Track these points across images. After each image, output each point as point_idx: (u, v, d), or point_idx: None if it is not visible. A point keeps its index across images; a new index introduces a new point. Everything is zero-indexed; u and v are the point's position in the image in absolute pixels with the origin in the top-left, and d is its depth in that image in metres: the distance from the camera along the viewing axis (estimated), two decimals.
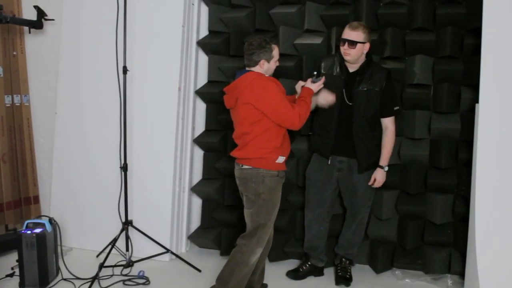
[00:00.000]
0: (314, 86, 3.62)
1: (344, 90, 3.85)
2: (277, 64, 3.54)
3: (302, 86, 3.65)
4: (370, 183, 3.99)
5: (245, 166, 3.46)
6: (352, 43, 3.70)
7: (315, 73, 3.67)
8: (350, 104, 3.85)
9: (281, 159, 3.46)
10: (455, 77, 4.19)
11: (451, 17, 4.17)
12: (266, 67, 3.45)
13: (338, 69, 3.89)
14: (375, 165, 3.97)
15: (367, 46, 3.75)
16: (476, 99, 3.62)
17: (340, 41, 3.78)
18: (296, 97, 3.65)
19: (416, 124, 4.26)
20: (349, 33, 3.71)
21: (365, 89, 3.81)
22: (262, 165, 3.42)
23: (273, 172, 3.44)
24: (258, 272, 3.73)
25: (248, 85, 3.37)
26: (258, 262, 3.63)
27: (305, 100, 3.49)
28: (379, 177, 3.97)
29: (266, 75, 3.46)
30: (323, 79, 3.65)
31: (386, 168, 3.96)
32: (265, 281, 3.91)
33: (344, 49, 3.74)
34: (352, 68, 3.86)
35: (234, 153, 3.52)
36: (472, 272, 3.60)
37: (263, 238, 3.49)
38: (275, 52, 3.47)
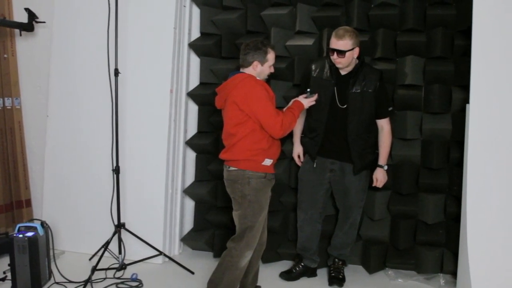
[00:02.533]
0: (306, 101, 3.64)
1: (336, 93, 3.86)
2: (272, 70, 3.53)
3: (294, 100, 3.68)
4: (374, 184, 4.03)
5: (231, 168, 3.46)
6: (341, 53, 3.69)
7: (308, 90, 3.69)
8: (343, 107, 3.86)
9: (267, 162, 3.45)
10: (446, 77, 4.22)
11: (442, 18, 4.19)
12: (259, 69, 3.45)
13: (328, 73, 3.89)
14: (369, 166, 4.00)
15: (356, 50, 3.74)
16: (467, 100, 3.64)
17: (329, 49, 3.78)
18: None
19: (408, 125, 4.27)
20: (336, 43, 3.68)
21: (359, 91, 3.82)
22: (248, 167, 3.41)
23: (259, 174, 3.43)
24: (251, 274, 3.73)
25: (237, 85, 3.38)
26: (250, 265, 3.63)
27: (292, 112, 3.50)
28: (380, 176, 4.00)
29: (258, 78, 3.46)
30: (315, 96, 3.69)
31: (386, 167, 4.00)
32: (258, 283, 3.91)
33: (334, 58, 3.74)
34: (344, 71, 3.86)
35: (221, 155, 3.52)
36: (464, 271, 3.61)
37: (251, 240, 3.47)
38: (270, 56, 3.46)
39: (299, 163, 4.18)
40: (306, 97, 3.66)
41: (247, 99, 3.33)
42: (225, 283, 3.45)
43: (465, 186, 3.63)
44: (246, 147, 3.40)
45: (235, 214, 3.53)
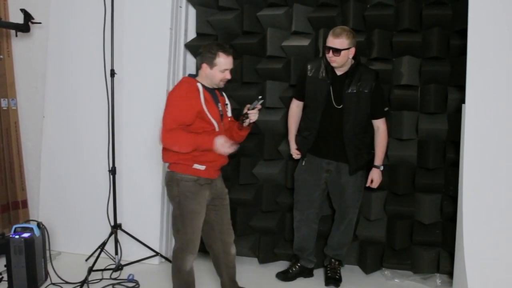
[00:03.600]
0: (220, 146, 3.29)
1: (331, 93, 3.86)
2: (225, 76, 3.36)
3: (217, 137, 3.33)
4: (368, 184, 4.03)
5: (167, 169, 3.43)
6: (336, 51, 3.69)
7: (260, 97, 3.49)
8: (339, 107, 3.86)
9: (198, 166, 3.35)
10: (442, 78, 4.22)
11: (438, 18, 4.20)
12: (207, 72, 3.35)
13: (324, 73, 3.89)
14: (365, 166, 4.00)
15: (352, 50, 3.74)
16: (462, 100, 3.64)
17: (325, 48, 3.78)
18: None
19: (404, 125, 4.28)
20: (332, 41, 3.69)
21: (355, 91, 3.82)
22: (178, 169, 3.34)
23: (189, 176, 3.33)
24: (225, 280, 3.72)
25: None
26: (219, 272, 3.68)
27: (196, 140, 3.27)
28: (376, 176, 4.00)
29: (210, 82, 3.39)
30: (234, 147, 3.37)
31: (382, 168, 4.01)
32: (255, 283, 3.91)
33: (330, 56, 3.74)
34: (339, 71, 3.86)
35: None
36: (461, 271, 3.62)
37: (186, 245, 3.38)
38: (219, 60, 3.31)
39: (298, 157, 4.16)
40: (250, 108, 3.45)
41: (166, 100, 3.32)
42: (177, 285, 3.49)
43: (461, 186, 3.64)
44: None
45: None
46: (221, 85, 3.42)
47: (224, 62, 3.32)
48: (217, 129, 3.34)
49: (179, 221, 3.37)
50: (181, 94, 3.30)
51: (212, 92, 3.42)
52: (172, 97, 3.31)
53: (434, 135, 4.24)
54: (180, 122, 3.25)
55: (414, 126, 4.29)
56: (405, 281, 4.22)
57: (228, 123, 3.51)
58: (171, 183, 3.37)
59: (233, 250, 3.64)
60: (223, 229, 3.58)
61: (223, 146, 3.28)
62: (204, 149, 3.29)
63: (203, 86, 3.36)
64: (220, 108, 3.44)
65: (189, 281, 3.49)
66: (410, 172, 4.33)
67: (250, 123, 3.48)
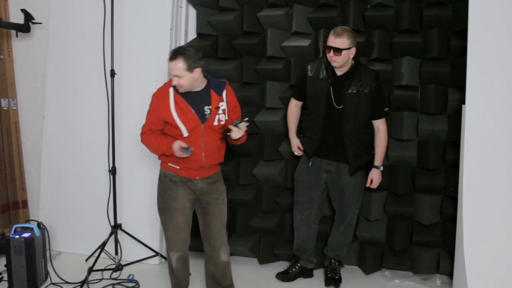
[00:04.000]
0: (178, 151, 3.26)
1: (332, 93, 3.86)
2: (172, 81, 3.32)
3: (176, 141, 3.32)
4: (367, 185, 4.03)
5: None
6: (337, 50, 3.69)
7: (246, 119, 3.43)
8: (339, 107, 3.86)
9: (173, 165, 3.44)
10: (442, 78, 4.22)
11: (438, 19, 4.20)
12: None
13: (324, 73, 3.89)
14: (365, 166, 4.01)
15: (353, 51, 3.74)
16: (462, 100, 3.64)
17: (326, 47, 3.79)
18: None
19: (404, 125, 4.28)
20: (333, 41, 3.70)
21: (355, 91, 3.82)
22: (162, 165, 3.53)
23: (167, 172, 3.47)
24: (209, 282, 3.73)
25: None
26: (206, 270, 3.71)
27: (158, 142, 3.36)
28: (375, 177, 4.00)
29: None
30: (190, 152, 3.27)
31: (381, 168, 4.01)
32: (254, 283, 3.90)
33: (330, 56, 3.74)
34: (339, 72, 3.86)
35: None
36: (461, 272, 3.62)
37: (168, 241, 3.54)
38: (169, 66, 3.34)
39: (300, 154, 4.17)
40: (234, 125, 3.38)
41: None
42: (171, 280, 3.67)
43: (461, 186, 3.65)
44: None
45: None
46: (180, 90, 3.35)
47: (170, 68, 3.32)
48: (184, 134, 3.32)
49: (161, 217, 3.52)
50: (152, 99, 3.44)
51: (194, 95, 3.36)
52: (151, 101, 3.44)
53: (434, 136, 4.24)
54: (149, 126, 3.42)
55: (414, 127, 4.29)
56: (405, 282, 4.22)
57: (220, 126, 3.43)
58: (159, 178, 3.54)
59: (223, 257, 3.61)
60: (210, 236, 3.57)
61: (176, 151, 3.27)
62: (163, 149, 3.35)
63: (176, 90, 3.35)
64: (207, 111, 3.37)
65: (178, 279, 3.57)
66: (410, 173, 4.33)
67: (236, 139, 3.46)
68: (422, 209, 4.27)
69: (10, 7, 5.06)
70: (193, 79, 3.31)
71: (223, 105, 3.44)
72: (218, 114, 3.40)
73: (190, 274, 3.74)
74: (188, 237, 3.55)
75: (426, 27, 4.25)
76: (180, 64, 3.24)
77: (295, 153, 4.20)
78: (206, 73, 3.47)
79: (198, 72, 3.30)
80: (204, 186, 3.48)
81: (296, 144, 4.18)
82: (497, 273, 3.50)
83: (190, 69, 3.26)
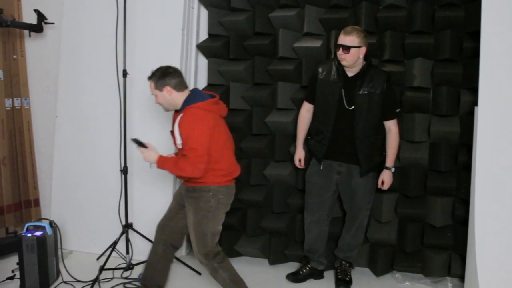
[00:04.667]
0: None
1: (343, 95, 3.86)
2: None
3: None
4: (378, 186, 4.02)
5: None
6: (346, 48, 3.70)
7: (132, 138, 3.53)
8: (350, 108, 3.85)
9: None
10: (454, 80, 4.20)
11: (450, 20, 4.18)
12: None
13: (335, 75, 3.89)
14: (376, 168, 3.99)
15: (363, 50, 3.74)
16: (475, 102, 3.62)
17: (335, 46, 3.78)
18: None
19: (416, 127, 4.26)
20: (343, 39, 3.71)
21: (366, 92, 3.81)
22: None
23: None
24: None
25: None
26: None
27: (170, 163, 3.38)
28: (387, 178, 4.00)
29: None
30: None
31: (393, 169, 4.00)
32: (265, 284, 3.90)
33: (339, 54, 3.74)
34: (351, 73, 3.86)
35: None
36: (472, 275, 3.60)
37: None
38: None
39: (299, 167, 4.19)
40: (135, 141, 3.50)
41: None
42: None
43: (473, 189, 3.62)
44: None
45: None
46: (164, 109, 3.49)
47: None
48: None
49: None
50: None
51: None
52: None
53: (446, 138, 4.21)
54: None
55: (426, 129, 4.27)
56: (415, 284, 4.20)
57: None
58: None
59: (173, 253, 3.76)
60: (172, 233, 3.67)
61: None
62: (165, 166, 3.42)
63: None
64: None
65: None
66: (421, 175, 4.31)
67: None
68: (434, 211, 4.25)
69: (23, 7, 5.09)
70: (164, 98, 3.38)
71: (172, 130, 3.41)
72: (175, 137, 3.37)
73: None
74: (171, 226, 3.65)
75: (438, 28, 4.23)
76: (150, 83, 3.41)
77: (296, 164, 4.22)
78: (198, 92, 3.49)
79: (167, 90, 3.35)
80: (183, 192, 3.54)
81: (298, 156, 4.19)
82: (510, 276, 3.47)
83: (159, 87, 3.36)
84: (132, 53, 4.42)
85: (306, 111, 4.11)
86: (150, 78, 3.39)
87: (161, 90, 3.34)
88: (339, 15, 4.35)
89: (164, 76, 3.34)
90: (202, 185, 3.38)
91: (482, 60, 3.52)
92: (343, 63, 3.79)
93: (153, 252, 3.70)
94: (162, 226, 3.68)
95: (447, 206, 4.24)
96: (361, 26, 4.18)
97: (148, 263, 3.73)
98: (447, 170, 4.21)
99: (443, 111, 4.21)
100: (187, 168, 3.25)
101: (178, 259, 4.48)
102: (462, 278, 4.03)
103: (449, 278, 4.20)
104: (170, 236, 3.64)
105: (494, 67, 3.51)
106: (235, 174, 3.50)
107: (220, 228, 3.48)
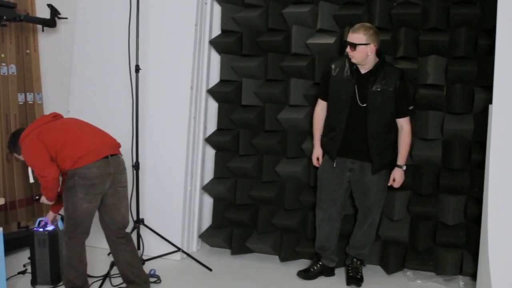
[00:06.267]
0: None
1: (356, 91, 3.84)
2: None
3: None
4: (389, 184, 4.00)
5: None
6: (353, 46, 3.69)
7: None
8: (363, 105, 3.84)
9: None
10: (468, 77, 4.17)
11: (465, 18, 4.15)
12: None
13: (348, 72, 3.87)
14: (388, 165, 3.98)
15: (371, 47, 3.71)
16: (489, 100, 3.60)
17: (344, 43, 3.78)
18: None
19: (429, 125, 4.24)
20: (350, 36, 3.71)
21: (379, 89, 3.80)
22: None
23: None
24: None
25: None
26: None
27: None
28: (398, 176, 3.97)
29: None
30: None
31: (404, 167, 3.98)
32: (276, 281, 3.90)
33: (347, 51, 3.74)
34: (364, 69, 3.84)
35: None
36: (485, 274, 3.58)
37: None
38: None
39: (317, 165, 4.18)
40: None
41: None
42: None
43: (487, 187, 3.59)
44: None
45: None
46: None
47: None
48: None
49: None
50: None
51: None
52: None
53: (460, 136, 4.19)
54: None
55: (440, 126, 4.24)
56: (427, 282, 4.18)
57: None
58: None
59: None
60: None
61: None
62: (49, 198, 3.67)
63: None
64: None
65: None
66: (434, 173, 4.28)
67: None
68: (446, 210, 4.23)
69: (36, 2, 5.11)
70: None
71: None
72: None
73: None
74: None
75: (453, 26, 4.20)
76: None
77: (314, 163, 4.20)
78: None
79: None
80: None
81: (316, 155, 4.17)
82: None
83: None
84: (144, 49, 4.42)
85: (321, 109, 4.10)
86: None
87: None
88: (353, 11, 4.32)
89: None
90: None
91: (497, 58, 3.50)
92: (353, 60, 3.78)
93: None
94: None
95: (459, 204, 4.22)
96: (375, 22, 4.16)
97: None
98: (460, 168, 4.19)
99: (456, 108, 4.18)
100: (43, 190, 3.52)
101: (189, 255, 4.49)
102: (474, 276, 4.01)
103: (461, 276, 4.18)
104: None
105: (509, 65, 3.48)
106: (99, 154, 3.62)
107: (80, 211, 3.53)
